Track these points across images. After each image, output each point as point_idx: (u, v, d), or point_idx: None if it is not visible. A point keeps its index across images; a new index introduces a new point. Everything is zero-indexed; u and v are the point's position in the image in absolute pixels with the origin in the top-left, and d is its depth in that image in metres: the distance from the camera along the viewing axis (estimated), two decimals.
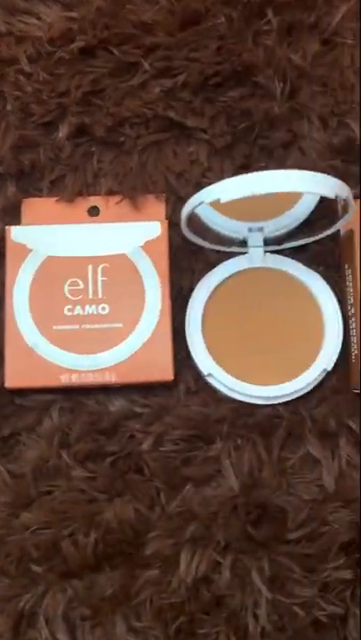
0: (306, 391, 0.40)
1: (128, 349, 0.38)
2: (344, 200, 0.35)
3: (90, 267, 0.39)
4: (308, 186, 0.32)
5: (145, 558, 0.39)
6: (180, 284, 0.43)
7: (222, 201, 0.33)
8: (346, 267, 0.42)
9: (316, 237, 0.41)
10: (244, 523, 0.39)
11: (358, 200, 0.41)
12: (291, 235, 0.42)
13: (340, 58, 0.46)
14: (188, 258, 0.43)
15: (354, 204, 0.36)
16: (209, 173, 0.44)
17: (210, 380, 0.40)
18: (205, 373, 0.40)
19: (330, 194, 0.33)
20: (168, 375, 0.38)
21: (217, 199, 0.33)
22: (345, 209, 0.37)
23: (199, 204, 0.34)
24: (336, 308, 0.41)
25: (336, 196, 0.33)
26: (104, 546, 0.38)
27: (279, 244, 0.42)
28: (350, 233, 0.41)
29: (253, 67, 0.44)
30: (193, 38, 0.45)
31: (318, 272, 0.43)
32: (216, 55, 0.44)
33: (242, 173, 0.43)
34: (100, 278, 0.39)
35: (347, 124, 0.44)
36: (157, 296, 0.39)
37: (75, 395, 0.41)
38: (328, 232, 0.40)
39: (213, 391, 0.41)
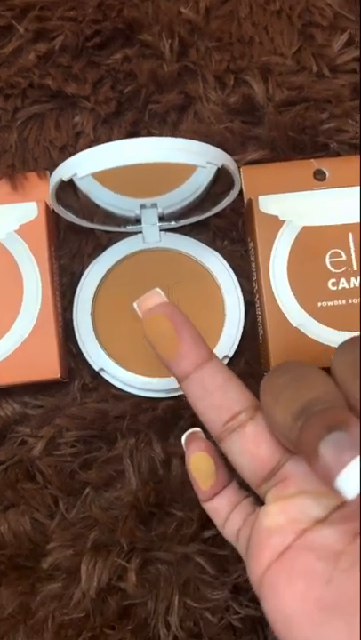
0: None
1: (8, 347, 0.35)
2: (226, 169, 0.31)
3: None
4: (172, 155, 0.28)
5: (45, 571, 0.36)
6: (72, 269, 0.39)
7: (80, 176, 0.29)
8: (249, 240, 0.38)
9: (211, 213, 0.37)
10: (150, 524, 0.36)
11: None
12: (189, 210, 0.39)
13: (237, 8, 0.41)
14: (79, 240, 0.39)
15: (238, 175, 0.33)
16: (96, 145, 0.40)
17: (103, 374, 0.37)
18: (97, 368, 0.36)
19: (200, 162, 0.29)
20: (54, 373, 0.35)
21: (74, 175, 0.29)
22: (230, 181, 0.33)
23: (59, 182, 0.30)
24: (237, 291, 0.38)
25: (208, 164, 0.29)
26: None
27: (176, 220, 0.39)
28: (250, 202, 0.37)
29: (138, 24, 0.40)
30: None
31: (223, 248, 0.39)
32: (96, 13, 0.40)
33: None
34: None
35: (245, 81, 0.40)
36: (37, 285, 0.35)
37: None
38: (218, 208, 0.37)
39: (112, 386, 0.37)
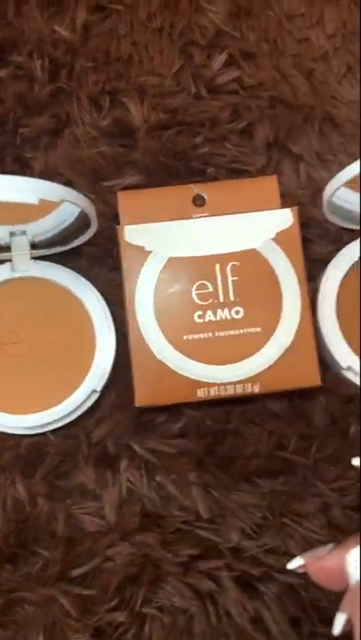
0: (75, 416, 0.36)
1: None
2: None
3: None
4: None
5: None
6: None
7: None
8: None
9: (80, 242, 0.36)
10: (16, 563, 0.35)
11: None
12: (60, 238, 0.37)
13: (117, 26, 0.40)
14: None
15: (91, 209, 0.31)
16: None
17: None
18: None
19: (30, 199, 0.28)
20: None
21: None
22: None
23: None
24: (108, 321, 0.36)
25: (41, 201, 0.28)
26: None
27: (47, 248, 0.37)
28: (116, 232, 0.36)
29: (10, 43, 0.39)
30: None
31: (99, 275, 0.38)
32: None
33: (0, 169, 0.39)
34: None
35: (122, 102, 0.39)
36: None
37: None
38: (84, 238, 0.36)
39: None
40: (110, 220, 0.38)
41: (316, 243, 0.38)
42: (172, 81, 0.39)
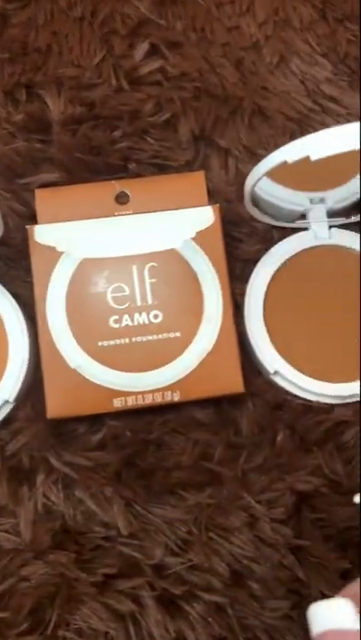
0: None
1: None
2: None
3: None
4: None
5: None
6: None
7: None
8: None
9: None
10: None
11: None
12: None
13: (35, 15, 0.38)
14: None
15: None
16: None
17: None
18: None
19: None
20: None
21: None
22: None
23: None
24: (22, 327, 0.34)
25: None
26: None
27: None
28: (26, 232, 0.34)
29: None
30: None
31: (16, 279, 0.36)
32: None
33: None
34: None
35: (39, 95, 0.37)
36: None
37: None
38: None
39: None
40: (27, 220, 0.36)
41: (244, 242, 0.37)
42: (93, 72, 0.37)
